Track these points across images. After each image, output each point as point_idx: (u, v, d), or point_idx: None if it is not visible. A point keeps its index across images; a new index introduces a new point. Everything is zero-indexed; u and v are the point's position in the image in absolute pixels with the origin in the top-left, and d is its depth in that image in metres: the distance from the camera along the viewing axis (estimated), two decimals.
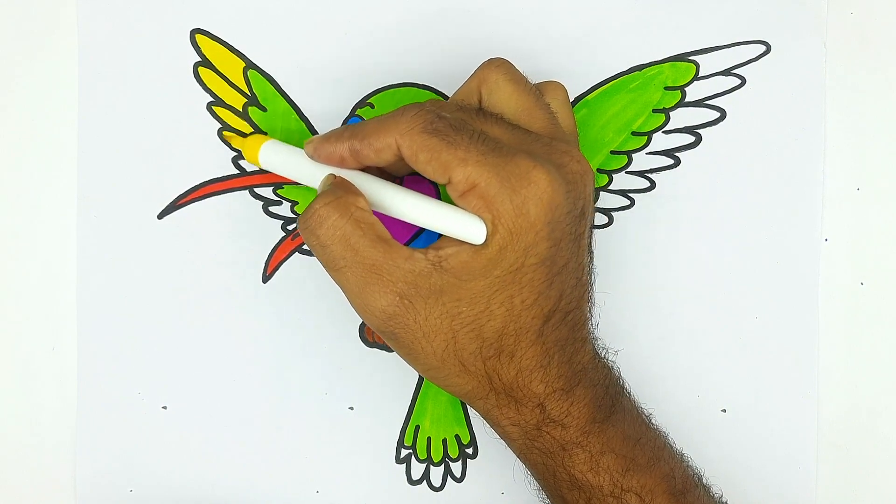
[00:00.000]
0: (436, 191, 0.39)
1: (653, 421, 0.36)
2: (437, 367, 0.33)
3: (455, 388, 0.34)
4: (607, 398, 0.34)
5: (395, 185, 0.33)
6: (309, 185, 0.35)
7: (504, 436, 0.35)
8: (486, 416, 0.35)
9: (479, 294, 0.32)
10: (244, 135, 0.39)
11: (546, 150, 0.32)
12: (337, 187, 0.33)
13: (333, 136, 0.33)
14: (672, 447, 0.35)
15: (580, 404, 0.33)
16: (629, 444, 0.34)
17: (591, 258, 0.35)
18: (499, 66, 0.34)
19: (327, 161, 0.34)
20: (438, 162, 0.31)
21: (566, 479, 0.34)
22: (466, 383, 0.33)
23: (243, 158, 0.39)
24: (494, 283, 0.31)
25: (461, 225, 0.31)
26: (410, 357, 0.33)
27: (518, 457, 0.35)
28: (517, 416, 0.34)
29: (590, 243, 0.34)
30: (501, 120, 0.33)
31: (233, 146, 0.39)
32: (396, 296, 0.31)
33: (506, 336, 0.32)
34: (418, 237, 0.39)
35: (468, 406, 0.39)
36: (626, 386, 0.36)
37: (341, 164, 0.33)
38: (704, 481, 0.35)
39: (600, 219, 0.39)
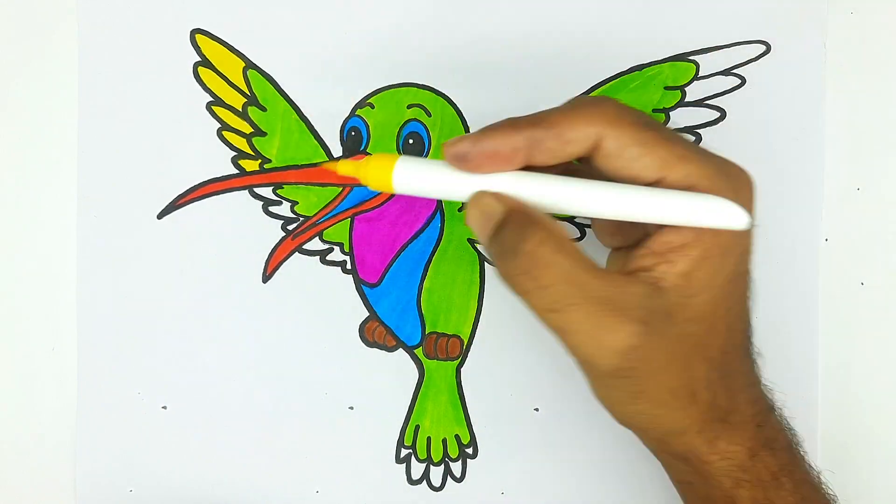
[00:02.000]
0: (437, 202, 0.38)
1: None
2: (666, 402, 0.29)
3: (671, 423, 0.30)
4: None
5: (589, 181, 0.28)
6: (453, 199, 0.30)
7: (706, 477, 0.31)
8: (690, 454, 0.31)
9: (704, 310, 0.28)
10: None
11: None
12: (526, 218, 0.28)
13: (502, 127, 0.28)
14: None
15: (780, 425, 0.31)
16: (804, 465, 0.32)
17: None
18: (621, 118, 0.28)
19: (491, 158, 0.28)
20: (654, 156, 0.28)
21: None
22: (687, 416, 0.30)
23: (243, 158, 0.39)
24: (717, 295, 0.28)
25: (718, 209, 0.27)
26: (638, 397, 0.29)
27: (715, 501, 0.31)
28: (728, 448, 0.30)
29: None
30: None
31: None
32: (637, 323, 0.27)
33: (726, 353, 0.30)
34: (418, 237, 0.39)
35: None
36: None
37: (508, 160, 0.28)
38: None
39: None
